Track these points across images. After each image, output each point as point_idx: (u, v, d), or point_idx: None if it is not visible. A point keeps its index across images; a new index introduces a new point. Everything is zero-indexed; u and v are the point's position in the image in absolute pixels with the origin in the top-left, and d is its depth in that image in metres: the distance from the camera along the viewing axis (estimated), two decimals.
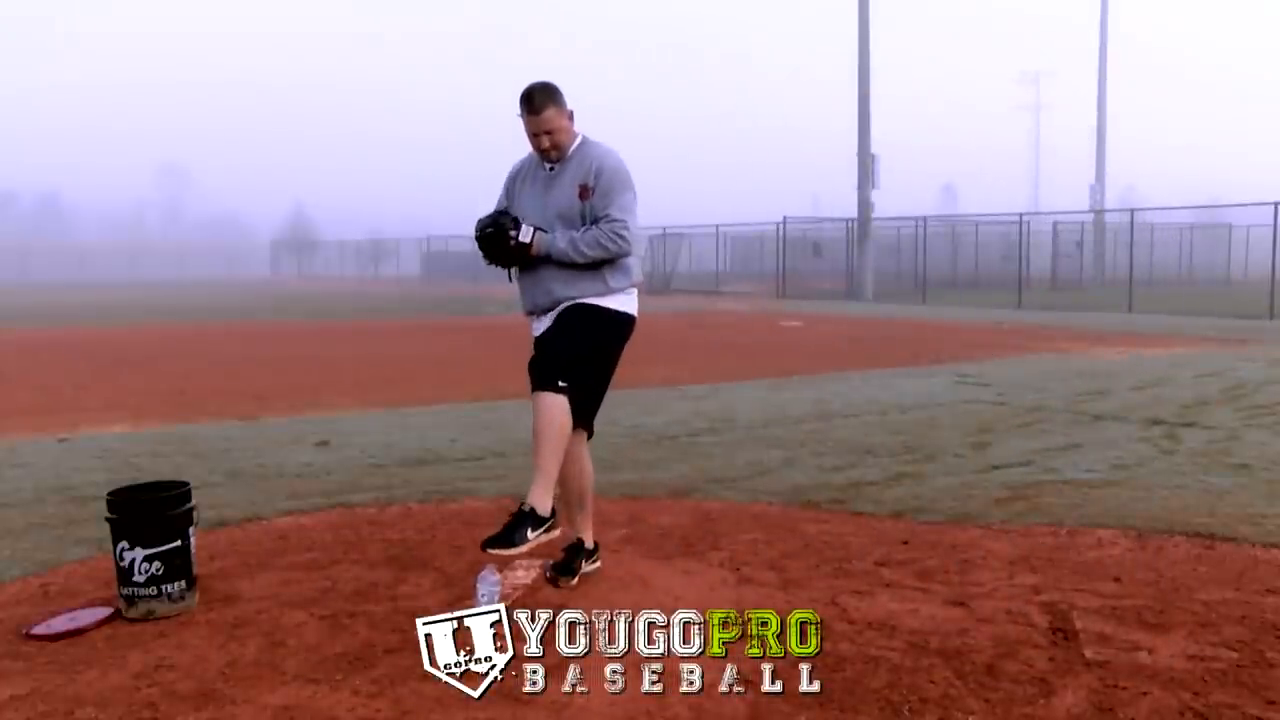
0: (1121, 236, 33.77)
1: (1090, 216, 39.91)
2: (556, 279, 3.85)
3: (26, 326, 21.10)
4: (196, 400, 9.89)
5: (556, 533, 3.78)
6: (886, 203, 32.96)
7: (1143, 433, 7.36)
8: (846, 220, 33.62)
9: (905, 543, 4.57)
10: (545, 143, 3.84)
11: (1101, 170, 41.45)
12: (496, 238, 3.83)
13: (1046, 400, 9.08)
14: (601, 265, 3.84)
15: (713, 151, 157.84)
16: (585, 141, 3.94)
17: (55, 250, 78.57)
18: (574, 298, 3.85)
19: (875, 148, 31.13)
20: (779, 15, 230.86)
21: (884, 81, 33.43)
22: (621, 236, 3.78)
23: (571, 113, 3.88)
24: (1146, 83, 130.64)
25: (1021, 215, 30.46)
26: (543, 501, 3.65)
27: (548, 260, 3.83)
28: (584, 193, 3.83)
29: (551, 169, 3.92)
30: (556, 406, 3.69)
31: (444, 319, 23.23)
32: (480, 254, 3.92)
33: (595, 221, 3.81)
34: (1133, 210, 28.98)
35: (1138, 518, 4.94)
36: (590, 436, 4.05)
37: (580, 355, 3.79)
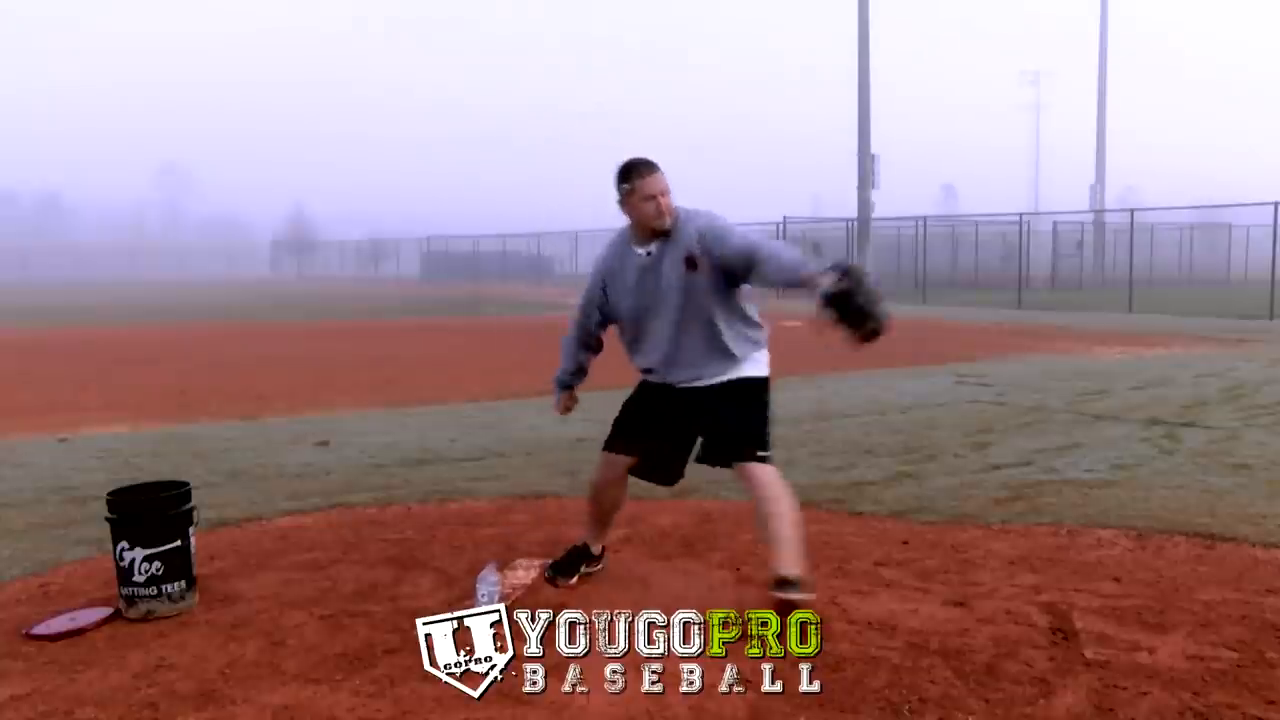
0: (1121, 236, 33.83)
1: (1090, 216, 39.96)
2: (708, 351, 3.71)
3: (26, 326, 21.11)
4: (196, 400, 9.88)
5: None
6: (886, 203, 32.98)
7: (1143, 433, 7.36)
8: (846, 220, 33.61)
9: (905, 543, 4.57)
10: (664, 204, 3.60)
11: (1101, 170, 41.51)
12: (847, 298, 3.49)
13: (1046, 400, 9.08)
14: (750, 328, 3.76)
15: (713, 151, 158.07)
16: (680, 213, 3.67)
17: (55, 250, 78.71)
18: (734, 364, 3.73)
19: (875, 148, 31.15)
20: (779, 15, 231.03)
21: (884, 81, 33.42)
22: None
23: None
24: (1146, 83, 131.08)
25: (1021, 215, 30.50)
26: (793, 567, 3.47)
27: (698, 331, 3.68)
28: (691, 263, 3.59)
29: (648, 254, 3.67)
30: (769, 475, 3.67)
31: (444, 319, 23.22)
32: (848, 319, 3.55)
33: (737, 260, 3.57)
34: (1133, 210, 28.94)
35: (1138, 518, 4.94)
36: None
37: (766, 421, 3.77)
